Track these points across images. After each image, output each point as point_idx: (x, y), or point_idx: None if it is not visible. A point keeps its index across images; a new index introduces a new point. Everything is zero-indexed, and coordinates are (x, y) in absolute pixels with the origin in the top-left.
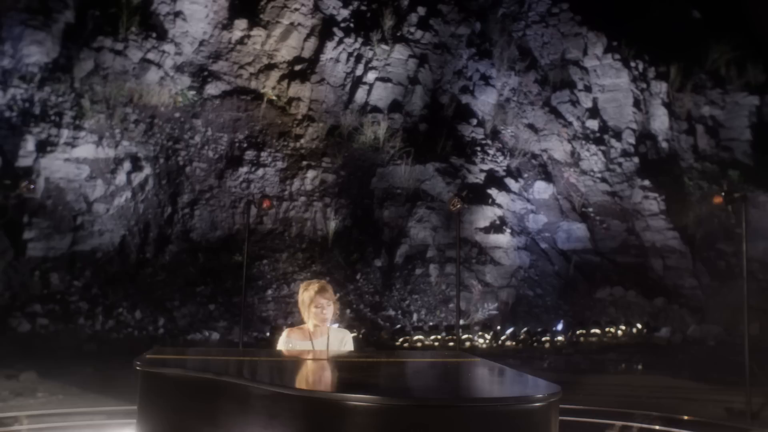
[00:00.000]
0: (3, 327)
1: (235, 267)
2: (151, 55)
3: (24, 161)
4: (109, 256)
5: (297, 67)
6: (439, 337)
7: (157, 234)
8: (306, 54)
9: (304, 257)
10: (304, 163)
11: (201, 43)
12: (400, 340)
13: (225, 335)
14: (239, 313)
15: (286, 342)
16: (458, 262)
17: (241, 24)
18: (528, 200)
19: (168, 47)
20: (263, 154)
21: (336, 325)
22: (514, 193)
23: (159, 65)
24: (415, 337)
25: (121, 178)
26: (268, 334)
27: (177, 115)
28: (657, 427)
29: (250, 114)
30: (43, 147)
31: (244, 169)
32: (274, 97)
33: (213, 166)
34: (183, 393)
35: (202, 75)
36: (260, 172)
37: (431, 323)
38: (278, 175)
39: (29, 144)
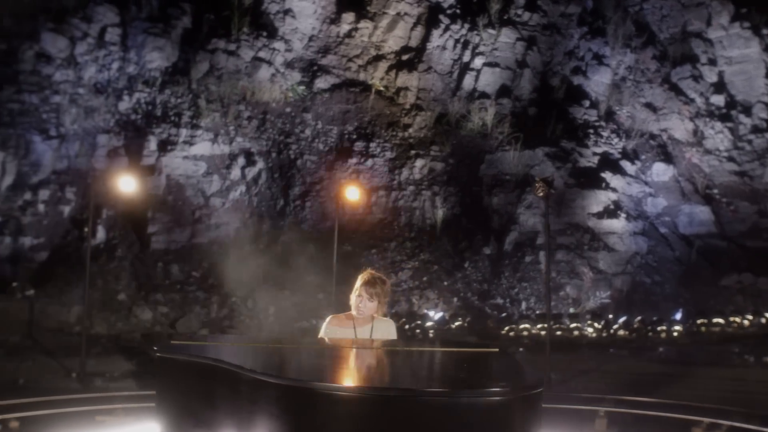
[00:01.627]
0: (128, 314)
1: (344, 257)
2: (262, 54)
3: (147, 160)
4: (225, 247)
5: (404, 57)
6: (545, 326)
7: (270, 226)
8: (413, 43)
9: (413, 246)
10: (413, 152)
11: (310, 39)
12: (506, 328)
13: None
14: (347, 302)
15: (327, 328)
16: (547, 249)
17: (348, 17)
18: (646, 183)
19: (278, 45)
20: (372, 144)
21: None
22: (630, 176)
23: (270, 63)
24: (521, 326)
25: (235, 172)
26: None
27: (288, 110)
28: (752, 427)
29: (359, 105)
30: (164, 146)
31: (353, 161)
32: (382, 88)
33: (323, 159)
34: (188, 376)
35: (311, 70)
36: (369, 162)
37: (538, 311)
38: (387, 165)
39: (152, 144)
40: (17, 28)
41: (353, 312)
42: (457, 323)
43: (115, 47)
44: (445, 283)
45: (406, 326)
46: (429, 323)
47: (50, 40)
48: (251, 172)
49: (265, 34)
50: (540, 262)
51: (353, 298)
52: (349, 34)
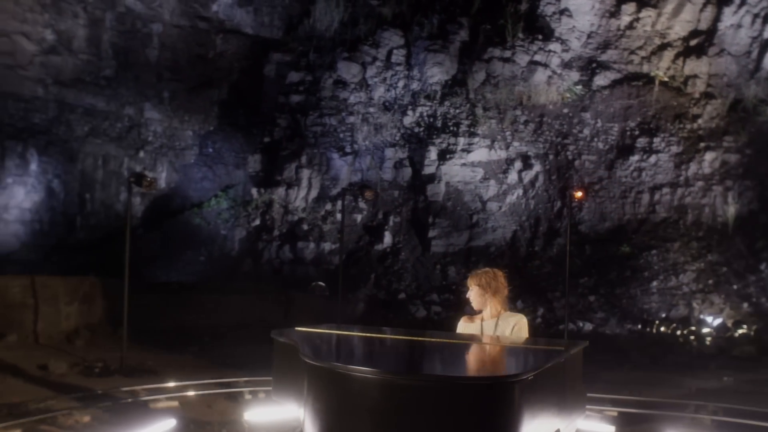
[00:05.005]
0: (404, 312)
1: (621, 258)
2: (537, 57)
3: (428, 169)
4: (501, 250)
5: (692, 42)
6: None
7: (546, 228)
8: (702, 26)
9: (699, 246)
10: (702, 144)
11: (588, 36)
12: None
13: (598, 326)
14: (619, 304)
15: (459, 326)
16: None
17: (628, 8)
18: None
19: (554, 46)
20: (656, 139)
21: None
22: None
23: (546, 65)
24: None
25: (512, 177)
26: (639, 326)
27: (565, 110)
28: None
29: (642, 100)
30: (443, 155)
31: (635, 158)
32: (666, 79)
33: (602, 158)
34: (284, 353)
35: (590, 67)
36: (652, 159)
37: None
38: (672, 161)
39: (432, 154)
40: (320, 61)
41: (478, 309)
42: (740, 331)
43: (400, 67)
44: (735, 286)
45: (678, 332)
46: (705, 329)
47: (345, 67)
48: (528, 176)
49: (540, 37)
50: None
51: (470, 296)
52: (630, 26)
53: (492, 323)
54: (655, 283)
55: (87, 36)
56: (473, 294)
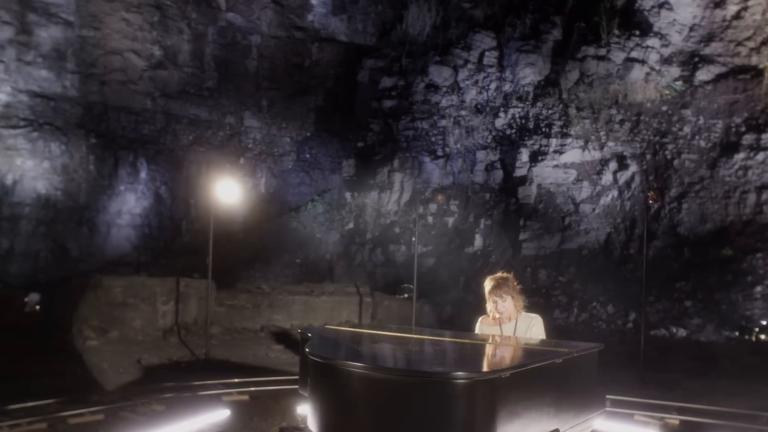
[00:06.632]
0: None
1: (722, 261)
2: (634, 54)
3: (519, 171)
4: (594, 253)
5: None
6: None
7: (642, 230)
8: None
9: None
10: None
11: (690, 29)
12: None
13: (693, 332)
14: (717, 310)
15: (478, 327)
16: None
17: None
18: None
19: (652, 41)
20: (764, 136)
21: None
22: None
23: (643, 62)
24: None
25: (606, 178)
26: (737, 333)
27: (664, 108)
28: None
29: (749, 94)
30: (535, 157)
31: (740, 156)
32: None
33: (704, 156)
34: (303, 345)
35: (692, 62)
36: (760, 156)
37: None
38: None
39: (524, 156)
40: (412, 66)
41: (495, 316)
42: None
43: (492, 69)
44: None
45: None
46: None
47: (436, 71)
48: (623, 176)
49: (637, 33)
50: None
51: (489, 307)
52: (737, 16)
53: (511, 325)
54: (759, 288)
55: (191, 50)
56: (507, 305)
